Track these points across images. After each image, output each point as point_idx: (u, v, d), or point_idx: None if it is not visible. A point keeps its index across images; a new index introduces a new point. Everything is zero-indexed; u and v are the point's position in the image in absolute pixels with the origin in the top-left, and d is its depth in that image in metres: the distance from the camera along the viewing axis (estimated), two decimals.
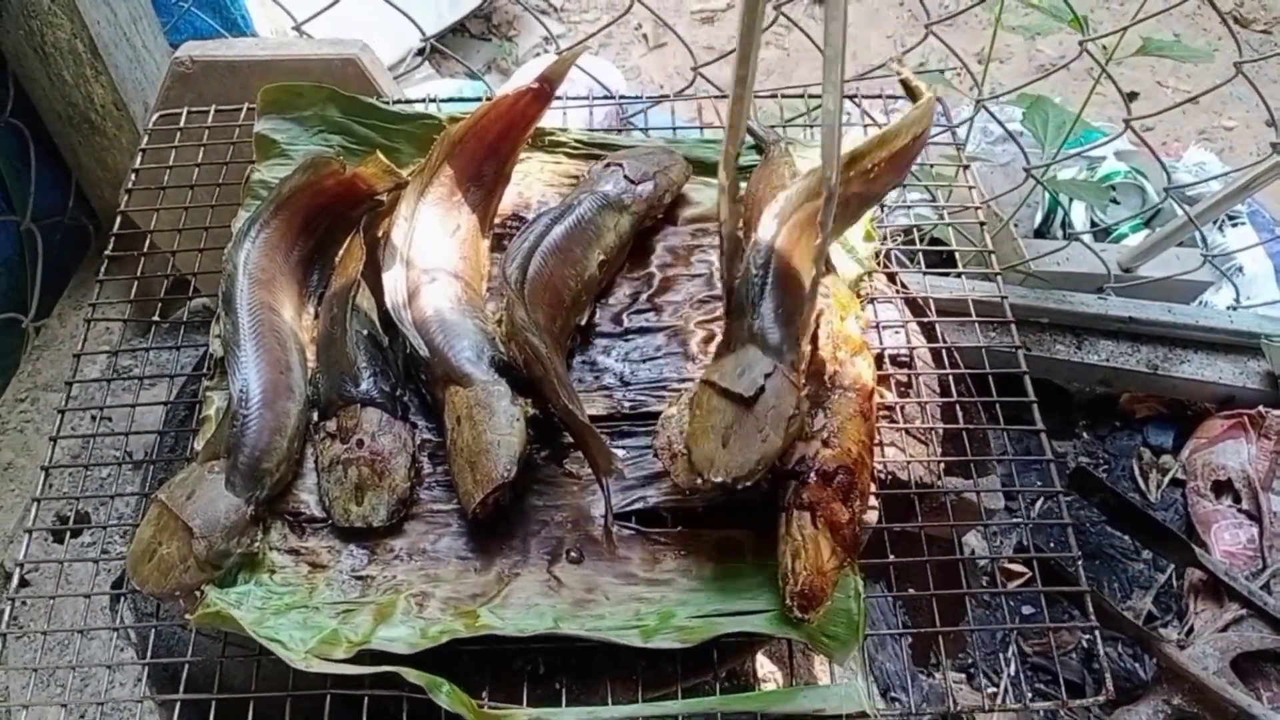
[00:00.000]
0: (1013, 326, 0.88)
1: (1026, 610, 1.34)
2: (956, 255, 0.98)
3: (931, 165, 1.04)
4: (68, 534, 0.98)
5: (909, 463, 0.81)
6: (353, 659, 0.67)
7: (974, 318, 0.89)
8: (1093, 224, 1.78)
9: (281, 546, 0.74)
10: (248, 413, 0.74)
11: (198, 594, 0.70)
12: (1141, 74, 2.52)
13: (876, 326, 0.88)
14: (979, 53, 2.44)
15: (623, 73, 2.50)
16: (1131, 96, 2.29)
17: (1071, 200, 1.75)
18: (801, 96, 1.05)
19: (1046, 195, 1.74)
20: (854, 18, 2.79)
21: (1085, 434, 1.67)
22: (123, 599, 0.78)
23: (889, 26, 2.76)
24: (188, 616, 0.68)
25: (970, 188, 0.97)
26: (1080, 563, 0.77)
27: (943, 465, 0.82)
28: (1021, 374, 0.84)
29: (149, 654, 0.74)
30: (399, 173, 0.87)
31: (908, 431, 0.83)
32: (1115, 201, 1.79)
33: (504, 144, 0.90)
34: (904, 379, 0.86)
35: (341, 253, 0.87)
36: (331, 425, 0.76)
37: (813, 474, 0.70)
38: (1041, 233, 1.79)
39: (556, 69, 0.90)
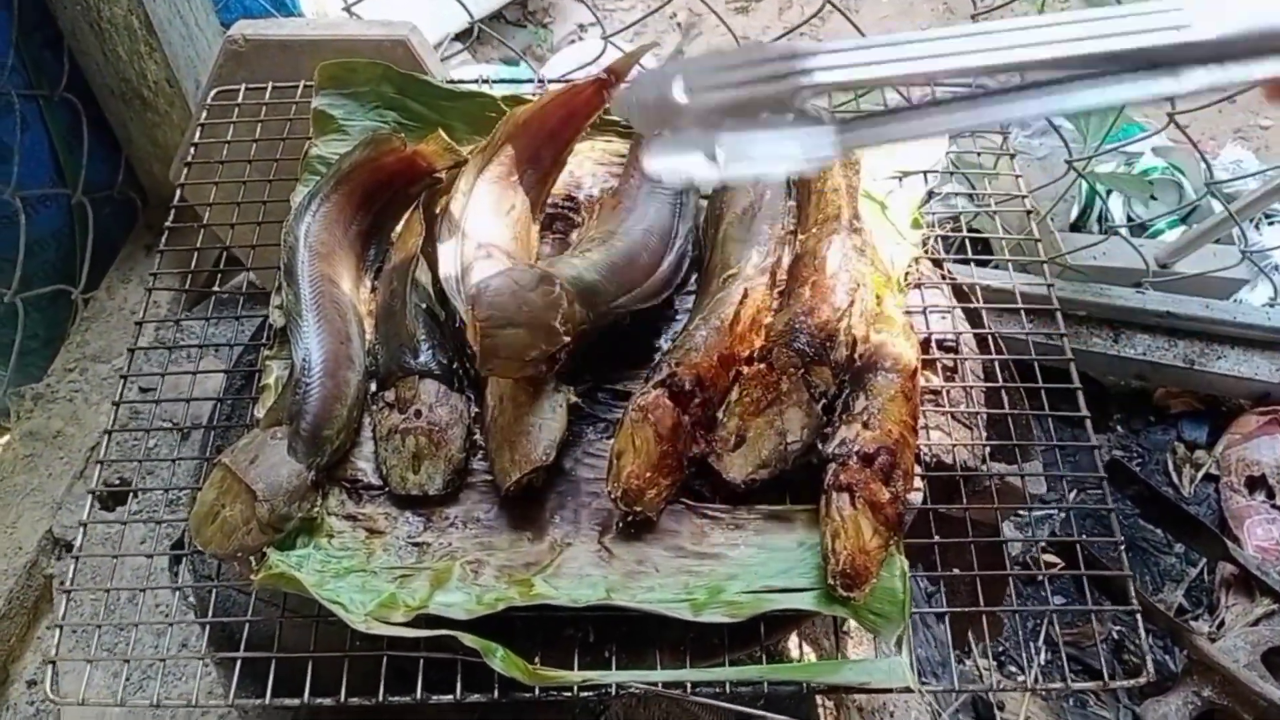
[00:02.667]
0: (1058, 314, 0.89)
1: (1059, 600, 1.35)
2: (1002, 244, 0.98)
3: (978, 154, 1.05)
4: (130, 495, 1.00)
5: (954, 446, 0.82)
6: (410, 623, 0.68)
7: (1019, 304, 0.89)
8: (1130, 219, 1.77)
9: (340, 512, 0.76)
10: (310, 381, 0.75)
11: (254, 559, 0.72)
12: None
13: (923, 311, 0.88)
14: None
15: (658, 62, 2.51)
16: None
17: (1109, 194, 1.75)
18: None
19: (1084, 189, 1.74)
20: (889, 10, 2.79)
21: (1120, 428, 1.67)
22: (183, 560, 0.80)
23: (924, 19, 2.75)
24: (252, 577, 0.70)
25: (1017, 176, 0.98)
26: (1123, 548, 0.78)
27: (987, 449, 0.83)
28: (1066, 361, 0.85)
29: (209, 614, 0.76)
30: (459, 151, 0.88)
31: (953, 416, 0.84)
32: (1153, 197, 1.78)
33: (565, 130, 0.91)
34: (950, 364, 0.87)
35: (401, 228, 0.88)
36: (390, 395, 0.78)
37: (853, 456, 0.72)
38: (1078, 227, 1.79)
39: (624, 63, 0.91)
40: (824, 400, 0.75)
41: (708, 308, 0.80)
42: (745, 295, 0.80)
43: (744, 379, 0.77)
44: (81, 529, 0.79)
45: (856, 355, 0.77)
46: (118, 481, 1.11)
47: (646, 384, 0.75)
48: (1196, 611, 1.43)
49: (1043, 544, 1.21)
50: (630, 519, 0.72)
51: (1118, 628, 1.33)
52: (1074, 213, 1.80)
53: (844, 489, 0.71)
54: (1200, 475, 1.59)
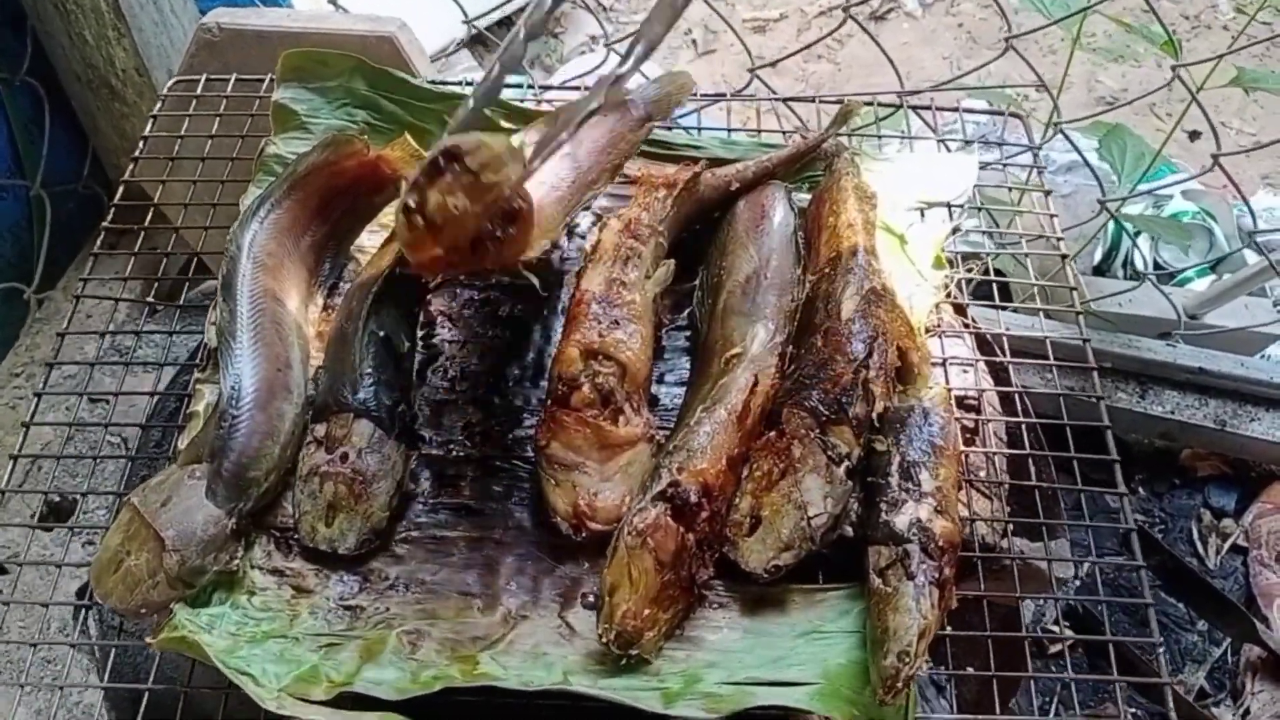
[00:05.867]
0: (1094, 374, 0.79)
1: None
2: (1033, 290, 0.89)
3: (1010, 188, 0.95)
4: (40, 530, 0.91)
5: (972, 520, 0.72)
6: (331, 701, 0.59)
7: (1051, 361, 0.80)
8: (1156, 265, 1.68)
9: (265, 565, 0.67)
10: (238, 413, 0.66)
11: (160, 615, 0.62)
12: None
13: (943, 364, 0.79)
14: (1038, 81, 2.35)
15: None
16: (1193, 136, 2.20)
17: (1137, 236, 1.65)
18: (870, 105, 0.96)
19: (1109, 231, 1.65)
20: (910, 38, 2.71)
21: (1141, 489, 1.57)
22: (87, 610, 0.70)
23: (945, 48, 2.68)
24: (149, 640, 0.61)
25: (1053, 216, 0.89)
26: (1161, 650, 0.68)
27: (1009, 525, 0.73)
28: (1104, 429, 0.76)
29: (107, 676, 0.67)
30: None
31: (972, 484, 0.74)
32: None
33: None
34: (970, 424, 0.77)
35: (381, 243, 0.79)
36: (320, 430, 0.68)
37: (935, 547, 0.62)
38: (1101, 270, 1.70)
39: (663, 106, 0.83)
40: (846, 463, 0.65)
41: (710, 395, 0.69)
42: (755, 383, 0.69)
43: (753, 450, 0.66)
44: None
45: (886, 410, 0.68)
46: (40, 509, 1.01)
47: (644, 496, 0.64)
48: (1219, 696, 1.33)
49: (1076, 637, 1.10)
50: (624, 661, 0.62)
51: None
52: (1098, 255, 1.70)
53: (939, 584, 0.62)
54: (1227, 546, 1.49)
